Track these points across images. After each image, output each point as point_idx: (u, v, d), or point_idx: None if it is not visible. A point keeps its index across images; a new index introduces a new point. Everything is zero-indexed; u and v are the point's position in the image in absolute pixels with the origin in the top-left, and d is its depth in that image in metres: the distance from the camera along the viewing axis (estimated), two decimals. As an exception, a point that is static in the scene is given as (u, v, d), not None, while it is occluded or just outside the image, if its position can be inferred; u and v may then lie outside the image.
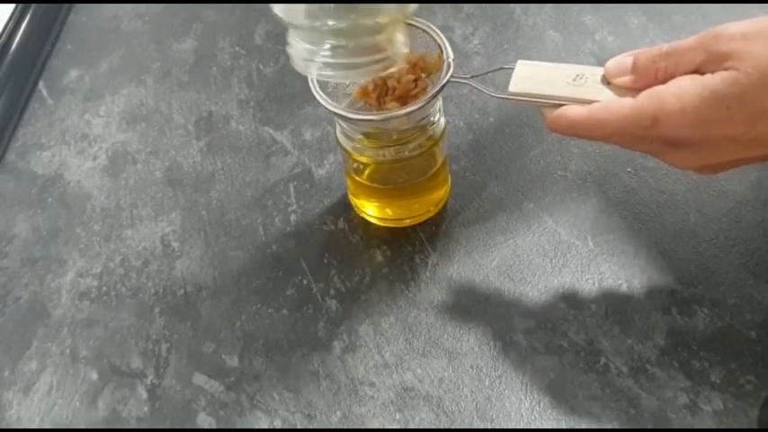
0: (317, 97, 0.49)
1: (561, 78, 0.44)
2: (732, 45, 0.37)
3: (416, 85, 0.50)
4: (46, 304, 0.58)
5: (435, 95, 0.48)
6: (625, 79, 0.41)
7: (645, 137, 0.40)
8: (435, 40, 0.50)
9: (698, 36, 0.39)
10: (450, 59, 0.48)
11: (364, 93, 0.51)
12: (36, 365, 0.54)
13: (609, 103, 0.41)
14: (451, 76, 0.48)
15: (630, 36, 0.72)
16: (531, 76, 0.45)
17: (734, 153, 0.39)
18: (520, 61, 0.46)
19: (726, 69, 0.37)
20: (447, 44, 0.49)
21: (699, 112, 0.37)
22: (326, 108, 0.48)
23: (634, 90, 0.41)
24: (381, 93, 0.51)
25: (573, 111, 0.42)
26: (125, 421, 0.51)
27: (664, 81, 0.40)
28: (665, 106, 0.38)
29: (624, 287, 0.53)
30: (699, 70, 0.39)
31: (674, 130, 0.38)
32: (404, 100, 0.50)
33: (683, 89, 0.38)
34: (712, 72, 0.37)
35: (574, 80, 0.43)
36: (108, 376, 0.53)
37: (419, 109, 0.48)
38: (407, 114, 0.48)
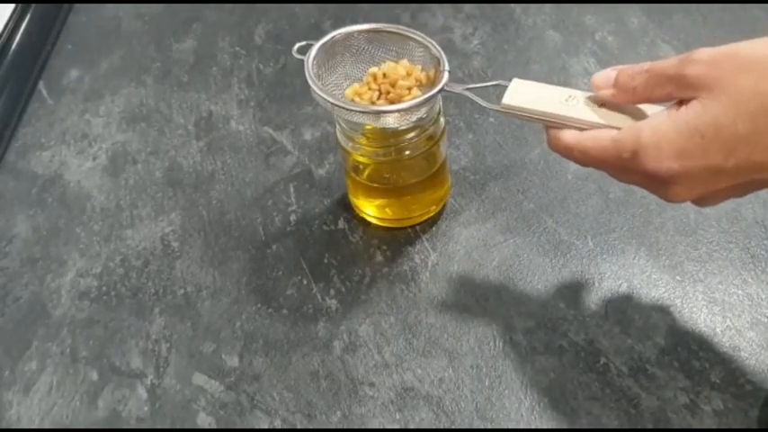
0: (314, 89, 0.48)
1: (553, 97, 0.44)
2: (702, 71, 0.37)
3: (409, 93, 0.50)
4: (46, 304, 0.58)
5: (427, 100, 0.48)
6: (607, 92, 0.42)
7: (628, 169, 0.40)
8: (433, 53, 0.50)
9: (675, 58, 0.39)
10: (447, 69, 0.49)
11: (357, 94, 0.52)
12: (36, 365, 0.54)
13: (597, 132, 0.42)
14: (446, 85, 0.48)
15: (630, 36, 0.72)
16: (524, 92, 0.45)
17: (722, 182, 0.39)
18: (515, 79, 0.46)
19: (697, 99, 0.37)
20: (444, 56, 0.50)
21: (674, 143, 0.38)
22: (323, 98, 0.48)
23: (613, 109, 0.42)
24: (374, 96, 0.51)
25: (568, 135, 0.43)
26: (125, 421, 0.51)
27: (641, 98, 0.41)
28: (642, 141, 0.39)
29: (624, 287, 0.53)
30: (673, 94, 0.39)
31: (653, 163, 0.39)
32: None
33: (659, 122, 0.39)
34: (686, 101, 0.38)
35: (566, 100, 0.44)
36: (108, 376, 0.53)
37: (408, 110, 0.48)
38: (396, 112, 0.48)
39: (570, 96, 0.44)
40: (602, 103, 0.43)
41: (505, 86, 0.46)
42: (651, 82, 0.40)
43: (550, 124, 0.44)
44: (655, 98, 0.40)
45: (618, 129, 0.41)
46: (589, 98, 0.43)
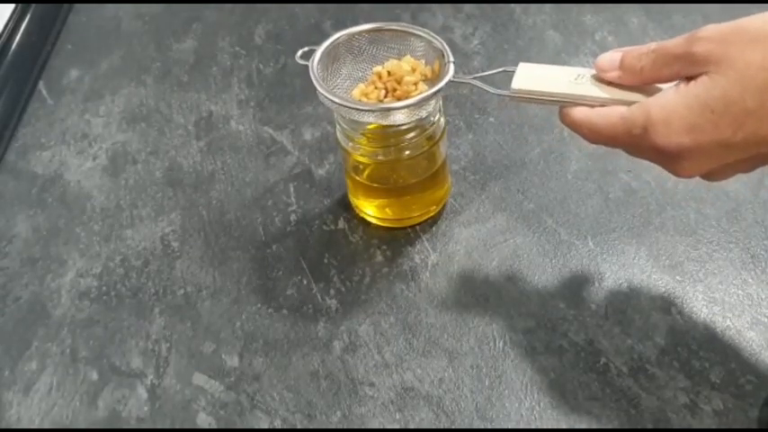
0: (319, 89, 0.48)
1: (562, 77, 0.44)
2: (710, 47, 0.37)
3: (416, 88, 0.50)
4: (46, 304, 0.58)
5: (436, 93, 0.48)
6: (613, 74, 0.42)
7: (639, 146, 0.41)
8: (436, 46, 0.50)
9: (681, 37, 0.39)
10: (451, 61, 0.49)
11: (364, 94, 0.51)
12: (36, 365, 0.54)
13: (606, 110, 0.42)
14: (453, 76, 0.48)
15: (630, 36, 0.72)
16: (532, 76, 0.45)
17: (731, 156, 0.39)
18: (521, 63, 0.46)
19: (706, 74, 0.38)
20: (447, 48, 0.50)
21: (685, 119, 0.38)
22: (334, 102, 0.48)
23: (622, 85, 0.42)
24: (380, 95, 0.51)
25: (577, 111, 0.43)
26: (125, 421, 0.51)
27: (648, 79, 0.41)
28: (652, 117, 0.39)
29: (624, 287, 0.53)
30: (681, 73, 0.39)
31: (663, 139, 0.39)
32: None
33: (668, 100, 0.39)
34: (695, 77, 0.38)
35: (575, 79, 0.44)
36: (108, 376, 0.53)
37: (418, 105, 0.48)
38: (407, 107, 0.48)
39: (579, 75, 0.44)
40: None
41: (512, 72, 0.46)
42: (659, 62, 0.40)
43: (562, 104, 0.44)
44: (662, 78, 0.40)
45: (629, 103, 0.41)
46: (597, 76, 0.43)
